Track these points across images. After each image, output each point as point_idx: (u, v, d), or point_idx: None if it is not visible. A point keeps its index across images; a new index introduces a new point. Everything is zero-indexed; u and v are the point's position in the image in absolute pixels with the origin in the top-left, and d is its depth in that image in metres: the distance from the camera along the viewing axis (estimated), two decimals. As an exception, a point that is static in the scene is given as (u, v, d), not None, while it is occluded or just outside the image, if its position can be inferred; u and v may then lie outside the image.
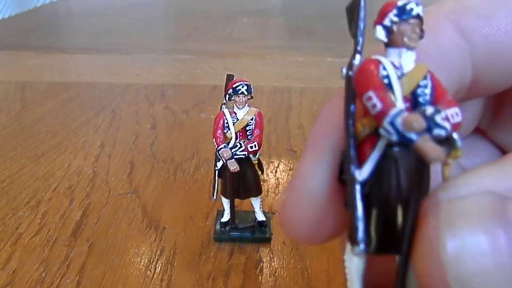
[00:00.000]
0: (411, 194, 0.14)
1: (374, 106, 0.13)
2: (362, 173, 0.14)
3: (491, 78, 0.17)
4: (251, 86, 0.35)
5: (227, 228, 0.38)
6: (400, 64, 0.14)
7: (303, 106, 0.67)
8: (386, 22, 0.15)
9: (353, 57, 0.15)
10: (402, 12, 0.14)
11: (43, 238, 0.37)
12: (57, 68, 0.87)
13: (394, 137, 0.13)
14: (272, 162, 0.50)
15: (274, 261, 0.35)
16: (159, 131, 0.59)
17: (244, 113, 0.35)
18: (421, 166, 0.14)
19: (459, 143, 0.14)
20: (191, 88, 0.75)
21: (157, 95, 0.71)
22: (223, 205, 0.38)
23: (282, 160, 0.51)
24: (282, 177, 0.47)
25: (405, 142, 0.13)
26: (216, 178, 0.38)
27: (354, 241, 0.14)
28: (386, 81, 0.14)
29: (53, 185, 0.45)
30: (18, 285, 0.33)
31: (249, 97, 0.35)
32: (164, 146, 0.54)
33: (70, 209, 0.41)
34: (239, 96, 0.35)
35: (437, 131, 0.13)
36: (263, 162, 0.38)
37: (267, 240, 0.37)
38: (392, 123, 0.13)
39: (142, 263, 0.35)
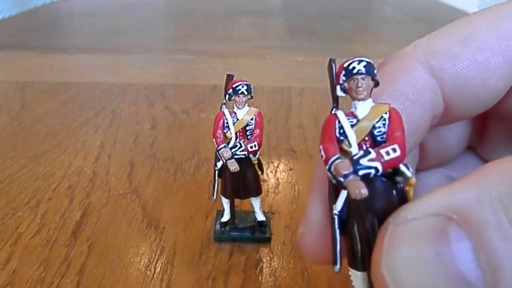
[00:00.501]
0: (372, 218, 0.16)
1: (322, 156, 0.17)
2: (337, 207, 0.17)
3: (460, 107, 0.20)
4: (251, 86, 0.35)
5: (227, 228, 0.38)
6: (356, 114, 0.17)
7: (303, 106, 0.67)
8: (340, 81, 0.18)
9: (330, 111, 0.18)
10: (347, 72, 0.17)
11: (43, 238, 0.37)
12: (57, 68, 0.87)
13: (334, 180, 0.16)
14: (272, 162, 0.50)
15: (274, 261, 0.35)
16: (159, 131, 0.59)
17: (244, 113, 0.35)
18: (384, 193, 0.16)
19: (408, 173, 0.16)
20: (191, 88, 0.75)
21: (157, 95, 0.71)
22: (223, 205, 0.38)
23: (282, 160, 0.51)
24: (282, 177, 0.47)
25: (340, 183, 0.16)
26: (216, 178, 0.38)
27: (333, 262, 0.17)
28: (341, 131, 0.17)
29: (53, 185, 0.45)
30: (18, 285, 0.33)
31: (249, 97, 0.35)
32: (164, 146, 0.54)
33: (70, 209, 0.41)
34: (239, 96, 0.35)
35: (363, 172, 0.16)
36: (263, 162, 0.38)
37: (267, 240, 0.37)
38: (329, 170, 0.16)
39: (142, 263, 0.35)
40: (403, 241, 0.14)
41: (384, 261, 0.14)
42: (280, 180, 0.47)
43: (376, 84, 0.17)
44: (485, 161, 0.23)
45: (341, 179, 0.16)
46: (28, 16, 1.40)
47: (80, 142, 0.55)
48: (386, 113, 0.17)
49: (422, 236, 0.13)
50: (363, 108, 0.17)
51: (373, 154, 0.16)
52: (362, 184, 0.15)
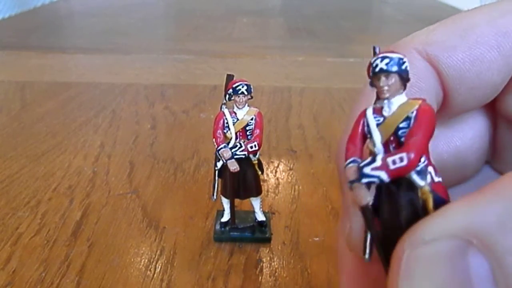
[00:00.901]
0: (397, 225, 0.15)
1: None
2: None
3: (456, 99, 0.20)
4: (251, 86, 0.35)
5: (227, 228, 0.38)
6: (383, 112, 0.16)
7: (303, 106, 0.67)
8: (369, 80, 0.17)
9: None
10: (371, 70, 0.16)
11: (43, 238, 0.37)
12: (57, 68, 0.87)
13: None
14: (272, 162, 0.50)
15: (274, 261, 0.35)
16: (159, 131, 0.59)
17: (244, 113, 0.35)
18: (407, 205, 0.15)
19: (418, 182, 0.15)
20: (191, 88, 0.75)
21: (157, 95, 0.72)
22: (223, 205, 0.38)
23: (282, 160, 0.51)
24: (282, 177, 0.47)
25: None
26: (216, 178, 0.38)
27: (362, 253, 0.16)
28: (368, 129, 0.16)
29: (53, 185, 0.45)
30: (18, 285, 0.33)
31: (249, 97, 0.35)
32: (164, 146, 0.54)
33: (70, 209, 0.41)
34: (239, 96, 0.35)
35: (366, 180, 0.15)
36: (263, 162, 0.38)
37: (267, 240, 0.37)
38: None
39: (142, 263, 0.35)
40: (420, 269, 0.13)
41: None
42: (280, 180, 0.47)
43: (406, 79, 0.16)
44: (501, 174, 0.22)
45: (348, 185, 0.15)
46: (28, 16, 1.40)
47: (80, 142, 0.55)
48: (413, 112, 0.15)
49: (440, 263, 0.13)
50: (391, 106, 0.16)
51: (377, 163, 0.15)
52: (363, 193, 0.15)
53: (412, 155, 0.15)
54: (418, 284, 0.13)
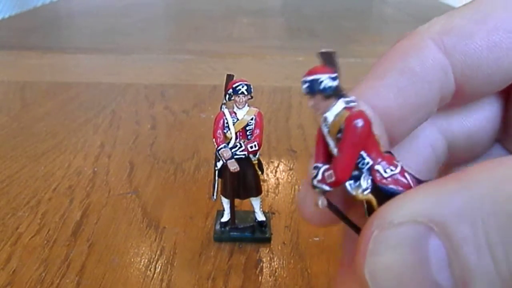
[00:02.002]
0: None
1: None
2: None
3: (472, 87, 0.20)
4: (251, 86, 0.35)
5: (227, 228, 0.38)
6: (327, 121, 0.17)
7: (303, 106, 0.67)
8: None
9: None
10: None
11: (43, 238, 0.37)
12: (57, 68, 0.87)
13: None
14: (272, 162, 0.50)
15: (274, 261, 0.35)
16: (159, 131, 0.59)
17: (244, 113, 0.35)
18: None
19: (350, 192, 0.16)
20: (191, 88, 0.75)
21: (157, 95, 0.71)
22: (223, 205, 0.38)
23: (282, 160, 0.51)
24: (282, 177, 0.47)
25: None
26: (216, 178, 0.38)
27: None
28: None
29: (53, 185, 0.45)
30: (18, 285, 0.33)
31: (249, 97, 0.35)
32: (164, 146, 0.54)
33: (70, 209, 0.41)
34: (239, 96, 0.35)
35: (317, 190, 0.17)
36: (263, 162, 0.38)
37: (267, 240, 0.37)
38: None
39: (142, 263, 0.35)
40: (386, 248, 0.15)
41: (367, 267, 0.15)
42: (280, 180, 0.47)
43: (331, 95, 0.17)
44: (510, 152, 0.24)
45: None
46: (28, 16, 1.40)
47: (80, 142, 0.55)
48: (342, 125, 0.17)
49: (404, 244, 0.14)
50: (328, 118, 0.17)
51: (319, 176, 0.17)
52: (315, 196, 0.17)
53: (336, 175, 0.16)
54: (383, 261, 0.15)
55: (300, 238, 0.38)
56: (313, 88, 0.16)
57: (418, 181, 0.16)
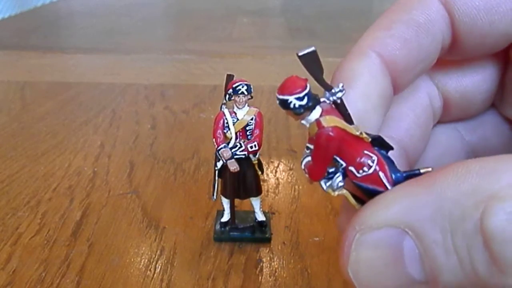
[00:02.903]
0: None
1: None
2: None
3: (467, 44, 0.21)
4: (251, 86, 0.35)
5: (227, 228, 0.38)
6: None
7: (303, 106, 0.67)
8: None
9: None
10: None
11: (43, 238, 0.37)
12: (57, 68, 0.87)
13: None
14: (272, 162, 0.50)
15: (274, 261, 0.35)
16: (159, 131, 0.59)
17: (244, 113, 0.35)
18: None
19: (323, 188, 0.18)
20: (191, 88, 0.75)
21: (157, 95, 0.71)
22: (223, 205, 0.38)
23: (282, 160, 0.51)
24: (282, 177, 0.47)
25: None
26: (216, 178, 0.38)
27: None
28: None
29: (53, 185, 0.45)
30: (18, 285, 0.33)
31: (249, 97, 0.35)
32: (164, 146, 0.54)
33: (70, 209, 0.41)
34: (239, 96, 0.35)
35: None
36: (263, 162, 0.38)
37: (267, 240, 0.37)
38: None
39: (142, 263, 0.35)
40: (366, 250, 0.17)
41: (351, 266, 0.17)
42: (280, 180, 0.47)
43: (305, 110, 0.18)
44: (505, 118, 0.25)
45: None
46: (28, 16, 1.40)
47: (80, 142, 0.55)
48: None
49: (382, 245, 0.17)
50: (309, 122, 0.19)
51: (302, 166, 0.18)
52: None
53: (309, 176, 0.18)
54: (364, 259, 0.17)
55: (300, 238, 0.38)
56: (284, 107, 0.18)
57: (398, 178, 0.18)
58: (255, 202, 0.38)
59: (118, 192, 0.44)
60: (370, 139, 0.18)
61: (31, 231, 0.38)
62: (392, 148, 0.19)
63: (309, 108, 0.18)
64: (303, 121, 0.18)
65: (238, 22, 1.32)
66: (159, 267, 0.35)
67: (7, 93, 0.72)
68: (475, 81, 0.24)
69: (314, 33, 1.21)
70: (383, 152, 0.18)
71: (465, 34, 0.20)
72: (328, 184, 0.18)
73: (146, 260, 0.35)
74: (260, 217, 0.38)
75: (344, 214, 0.21)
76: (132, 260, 0.35)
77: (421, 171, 0.18)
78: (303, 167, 0.18)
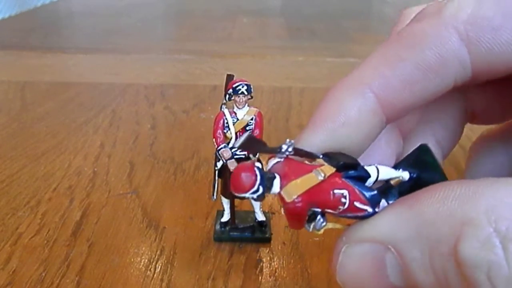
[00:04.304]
0: None
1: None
2: None
3: (487, 77, 0.20)
4: (251, 86, 0.35)
5: (227, 228, 0.38)
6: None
7: (303, 106, 0.67)
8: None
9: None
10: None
11: (43, 238, 0.37)
12: (57, 68, 0.87)
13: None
14: (272, 162, 0.50)
15: (274, 261, 0.35)
16: (159, 131, 0.59)
17: (244, 113, 0.35)
18: None
19: (309, 230, 0.19)
20: (191, 88, 0.75)
21: (157, 95, 0.71)
22: (223, 205, 0.38)
23: (282, 160, 0.51)
24: (282, 177, 0.47)
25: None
26: (216, 178, 0.38)
27: None
28: None
29: (53, 185, 0.45)
30: (18, 285, 0.33)
31: (249, 97, 0.35)
32: (164, 146, 0.54)
33: (70, 209, 0.41)
34: (239, 96, 0.35)
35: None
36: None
37: (267, 240, 0.37)
38: None
39: (142, 263, 0.35)
40: (352, 260, 0.18)
41: (339, 275, 0.19)
42: (280, 180, 0.47)
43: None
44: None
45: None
46: (28, 16, 1.40)
47: (80, 142, 0.55)
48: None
49: (366, 257, 0.18)
50: None
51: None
52: None
53: (290, 226, 0.19)
54: (350, 269, 0.18)
55: (300, 238, 0.38)
56: (244, 197, 0.18)
57: (373, 197, 0.18)
58: (255, 202, 0.38)
59: (118, 192, 0.44)
60: (334, 170, 0.18)
61: (31, 231, 0.38)
62: (357, 162, 0.19)
63: (269, 188, 0.18)
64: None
65: (238, 22, 1.32)
66: (159, 267, 0.35)
67: (7, 93, 0.72)
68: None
69: (314, 33, 1.21)
70: (351, 173, 0.18)
71: (489, 69, 0.19)
72: (311, 226, 0.19)
73: (146, 260, 0.35)
74: (260, 217, 0.38)
75: None
76: (132, 260, 0.35)
77: (392, 182, 0.19)
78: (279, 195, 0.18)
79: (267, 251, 0.36)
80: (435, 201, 0.16)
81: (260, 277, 0.34)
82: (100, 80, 0.78)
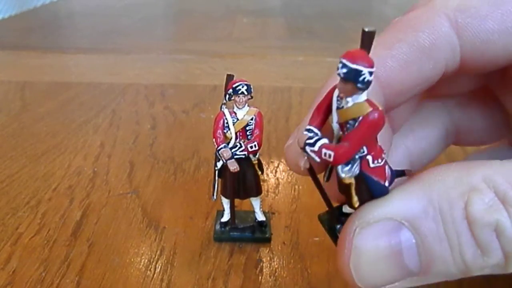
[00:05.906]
0: None
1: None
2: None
3: (476, 65, 0.21)
4: (251, 86, 0.35)
5: (227, 228, 0.38)
6: (344, 101, 0.18)
7: (303, 106, 0.67)
8: None
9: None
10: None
11: (43, 238, 0.37)
12: (57, 68, 0.87)
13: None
14: (272, 162, 0.50)
15: (274, 261, 0.35)
16: (159, 131, 0.59)
17: (244, 113, 0.35)
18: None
19: (340, 175, 0.19)
20: (191, 88, 0.75)
21: (157, 95, 0.71)
22: (223, 205, 0.38)
23: (282, 160, 0.51)
24: (282, 177, 0.47)
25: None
26: (216, 178, 0.38)
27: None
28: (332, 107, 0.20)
29: (53, 185, 0.45)
30: (18, 285, 0.33)
31: (249, 97, 0.35)
32: (164, 146, 0.54)
33: (70, 209, 0.41)
34: (239, 96, 0.35)
35: (306, 154, 0.19)
36: (263, 162, 0.38)
37: (267, 240, 0.37)
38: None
39: (142, 263, 0.35)
40: (367, 242, 0.18)
41: (352, 260, 0.18)
42: (280, 180, 0.47)
43: (363, 88, 0.17)
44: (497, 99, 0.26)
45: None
46: (28, 16, 1.40)
47: (80, 142, 0.55)
48: (359, 117, 0.17)
49: (381, 237, 0.18)
50: (348, 100, 0.18)
51: (316, 147, 0.18)
52: (304, 159, 0.19)
53: (335, 158, 0.17)
54: (364, 252, 0.18)
55: (300, 238, 0.38)
56: (350, 77, 0.16)
57: (392, 174, 0.19)
58: (255, 202, 0.38)
59: (118, 192, 0.44)
60: None
61: (31, 231, 0.38)
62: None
63: (367, 87, 0.17)
64: (348, 99, 0.17)
65: (238, 22, 1.32)
66: (159, 267, 0.35)
67: (7, 93, 0.72)
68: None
69: (314, 33, 1.21)
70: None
71: (477, 56, 0.20)
72: (346, 169, 0.18)
73: (146, 260, 0.35)
74: (260, 217, 0.38)
75: (292, 139, 0.22)
76: (132, 260, 0.35)
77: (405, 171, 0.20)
78: (316, 148, 0.18)
79: (267, 251, 0.36)
80: (440, 175, 0.17)
81: (260, 277, 0.34)
82: (100, 80, 0.78)
